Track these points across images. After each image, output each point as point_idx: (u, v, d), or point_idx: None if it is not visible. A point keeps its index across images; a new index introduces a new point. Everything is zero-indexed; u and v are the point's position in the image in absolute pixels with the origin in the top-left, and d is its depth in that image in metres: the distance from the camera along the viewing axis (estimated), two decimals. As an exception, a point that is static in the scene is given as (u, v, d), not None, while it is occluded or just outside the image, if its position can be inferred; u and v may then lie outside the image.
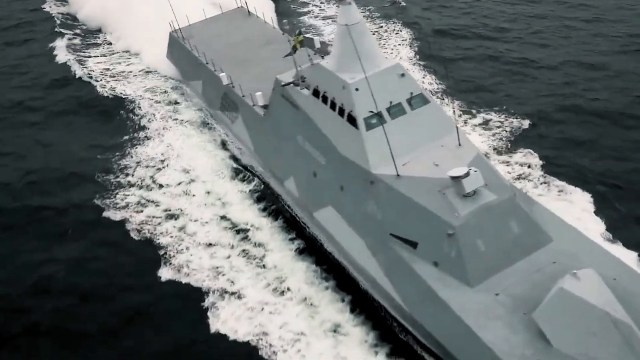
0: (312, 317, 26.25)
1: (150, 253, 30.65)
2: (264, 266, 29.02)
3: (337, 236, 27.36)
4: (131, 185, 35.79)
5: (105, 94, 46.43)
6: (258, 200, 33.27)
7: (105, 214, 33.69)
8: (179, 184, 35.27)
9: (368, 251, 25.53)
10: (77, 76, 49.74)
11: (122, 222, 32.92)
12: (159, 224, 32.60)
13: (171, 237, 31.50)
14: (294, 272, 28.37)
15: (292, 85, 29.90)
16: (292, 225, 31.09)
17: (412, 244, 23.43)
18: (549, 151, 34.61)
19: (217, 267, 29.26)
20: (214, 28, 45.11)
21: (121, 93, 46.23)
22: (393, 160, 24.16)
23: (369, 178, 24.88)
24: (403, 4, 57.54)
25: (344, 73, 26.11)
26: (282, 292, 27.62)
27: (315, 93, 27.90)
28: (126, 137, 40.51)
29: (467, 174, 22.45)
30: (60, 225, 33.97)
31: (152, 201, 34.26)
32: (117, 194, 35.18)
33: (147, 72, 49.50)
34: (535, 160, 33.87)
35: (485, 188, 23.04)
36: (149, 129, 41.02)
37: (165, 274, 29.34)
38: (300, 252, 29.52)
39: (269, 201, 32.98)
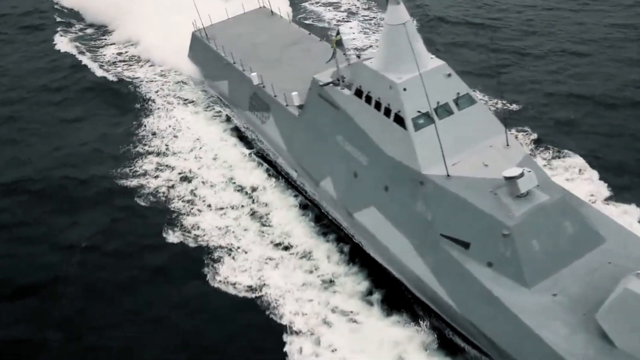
0: (311, 271, 28.85)
1: (165, 214, 33.64)
2: (269, 224, 32.05)
3: (381, 237, 27.26)
4: (149, 153, 39.39)
5: (116, 79, 49.47)
6: (260, 164, 36.81)
7: (125, 181, 37.01)
8: (191, 150, 39.05)
9: (415, 251, 25.45)
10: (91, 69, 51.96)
11: (140, 187, 36.25)
12: (173, 186, 36.03)
13: (184, 200, 34.70)
14: (297, 228, 31.32)
15: (331, 85, 29.80)
16: (292, 186, 34.12)
17: (464, 245, 23.35)
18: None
19: (226, 227, 32.22)
20: (237, 28, 44.91)
21: (131, 77, 48.55)
22: (444, 160, 24.09)
23: (418, 178, 24.80)
24: None
25: (390, 73, 26.03)
26: (286, 247, 30.43)
27: (358, 93, 27.80)
28: (140, 116, 43.80)
29: (521, 175, 22.42)
30: (84, 192, 37.20)
31: (168, 165, 37.98)
32: (135, 162, 38.66)
33: (163, 74, 49.83)
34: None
35: (537, 189, 23.03)
36: (159, 108, 44.36)
37: (178, 233, 32.18)
38: (303, 208, 32.85)
39: (272, 166, 36.52)
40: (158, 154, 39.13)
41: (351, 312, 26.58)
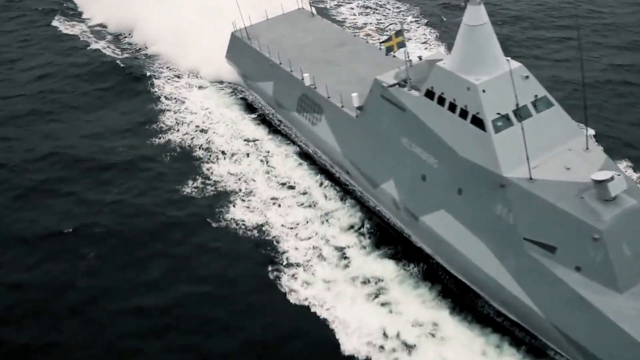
0: (310, 207, 34.07)
1: (188, 165, 39.16)
2: (273, 167, 37.63)
3: (452, 240, 26.88)
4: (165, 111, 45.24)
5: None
6: (262, 122, 42.53)
7: (150, 140, 42.33)
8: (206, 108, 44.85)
9: (493, 256, 25.06)
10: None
11: (164, 144, 41.59)
12: (193, 139, 41.65)
13: (202, 149, 40.27)
14: (295, 171, 37.13)
15: (397, 86, 29.44)
16: (290, 139, 38.25)
17: (550, 249, 22.99)
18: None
19: (238, 173, 37.70)
20: (277, 28, 44.52)
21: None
22: (528, 163, 23.75)
23: (498, 181, 24.44)
24: None
25: (467, 74, 25.68)
26: (290, 187, 35.93)
27: (429, 94, 27.43)
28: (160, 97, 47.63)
29: (611, 178, 22.10)
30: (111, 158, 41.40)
31: (185, 122, 43.61)
32: (158, 126, 43.72)
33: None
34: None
35: (624, 192, 22.72)
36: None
37: (197, 181, 37.42)
38: (300, 155, 38.46)
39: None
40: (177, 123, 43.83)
41: (345, 246, 31.14)
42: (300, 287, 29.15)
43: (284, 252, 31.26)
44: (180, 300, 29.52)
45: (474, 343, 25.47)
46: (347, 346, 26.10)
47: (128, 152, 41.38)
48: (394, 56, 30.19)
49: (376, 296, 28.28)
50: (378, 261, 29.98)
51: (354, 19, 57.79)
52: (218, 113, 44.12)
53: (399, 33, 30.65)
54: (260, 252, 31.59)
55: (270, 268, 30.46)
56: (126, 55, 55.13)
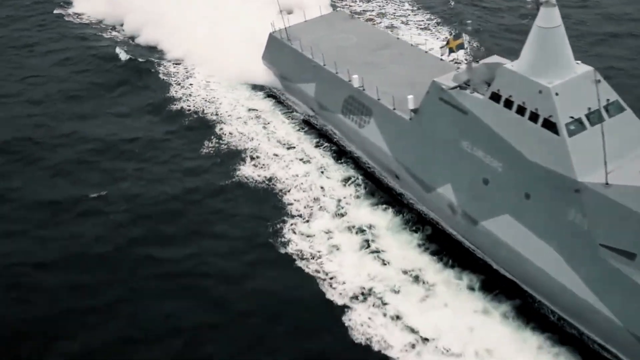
0: (308, 163, 38.25)
1: (203, 130, 43.31)
2: (273, 133, 41.83)
3: (517, 246, 26.42)
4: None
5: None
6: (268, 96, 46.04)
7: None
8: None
9: (564, 262, 24.62)
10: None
11: (182, 111, 46.04)
12: (203, 111, 45.50)
13: (217, 116, 44.76)
14: (292, 134, 41.25)
15: (458, 89, 29.03)
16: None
17: (629, 255, 22.54)
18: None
19: (246, 134, 42.06)
20: (317, 30, 44.09)
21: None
22: (605, 167, 23.31)
23: (572, 186, 24.00)
24: None
25: (539, 77, 25.27)
26: (288, 147, 40.12)
27: (495, 97, 27.01)
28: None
29: (693, 184, 21.70)
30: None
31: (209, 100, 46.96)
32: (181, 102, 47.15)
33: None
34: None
35: None
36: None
37: (213, 139, 41.96)
38: (301, 123, 42.33)
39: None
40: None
41: (341, 198, 34.91)
42: (300, 238, 32.39)
43: (288, 204, 35.14)
44: (196, 251, 32.55)
45: (458, 285, 28.46)
46: (338, 292, 28.92)
47: (149, 128, 44.72)
48: (443, 57, 29.71)
49: (368, 245, 31.30)
50: (371, 210, 33.54)
51: (353, 4, 59.08)
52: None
53: (457, 35, 30.35)
54: (267, 205, 35.52)
55: (274, 221, 33.85)
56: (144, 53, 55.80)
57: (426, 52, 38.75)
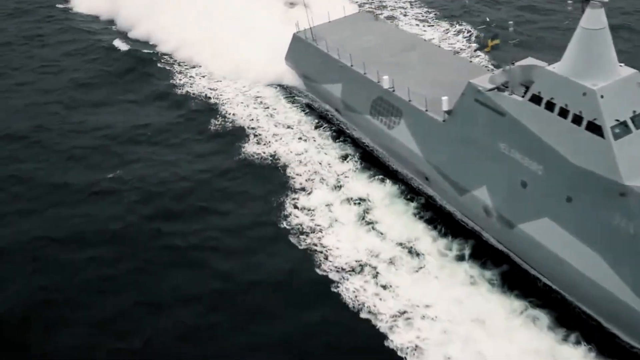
0: (306, 141, 40.91)
1: (208, 114, 46.04)
2: (273, 116, 44.47)
3: (557, 249, 26.15)
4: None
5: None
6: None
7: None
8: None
9: (607, 266, 24.33)
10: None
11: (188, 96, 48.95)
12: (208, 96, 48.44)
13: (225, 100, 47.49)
14: (292, 116, 43.92)
15: (495, 90, 28.77)
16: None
17: (678, 261, 22.31)
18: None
19: (250, 114, 44.87)
20: (341, 31, 43.87)
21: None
22: (654, 171, 23.07)
23: (618, 189, 23.71)
24: None
25: (582, 79, 25.00)
26: (288, 127, 42.98)
27: (535, 99, 26.75)
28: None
29: None
30: None
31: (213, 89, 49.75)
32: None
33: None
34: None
35: None
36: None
37: (219, 118, 44.97)
38: (304, 107, 44.67)
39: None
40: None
41: (340, 173, 37.31)
42: (301, 213, 34.56)
43: (290, 178, 37.70)
44: (201, 226, 34.82)
45: (448, 255, 30.35)
46: (335, 264, 30.73)
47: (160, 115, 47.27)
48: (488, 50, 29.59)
49: (364, 217, 33.48)
50: (368, 183, 36.00)
51: None
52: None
53: (495, 36, 30.14)
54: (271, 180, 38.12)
55: (277, 195, 36.32)
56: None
57: (454, 53, 38.51)
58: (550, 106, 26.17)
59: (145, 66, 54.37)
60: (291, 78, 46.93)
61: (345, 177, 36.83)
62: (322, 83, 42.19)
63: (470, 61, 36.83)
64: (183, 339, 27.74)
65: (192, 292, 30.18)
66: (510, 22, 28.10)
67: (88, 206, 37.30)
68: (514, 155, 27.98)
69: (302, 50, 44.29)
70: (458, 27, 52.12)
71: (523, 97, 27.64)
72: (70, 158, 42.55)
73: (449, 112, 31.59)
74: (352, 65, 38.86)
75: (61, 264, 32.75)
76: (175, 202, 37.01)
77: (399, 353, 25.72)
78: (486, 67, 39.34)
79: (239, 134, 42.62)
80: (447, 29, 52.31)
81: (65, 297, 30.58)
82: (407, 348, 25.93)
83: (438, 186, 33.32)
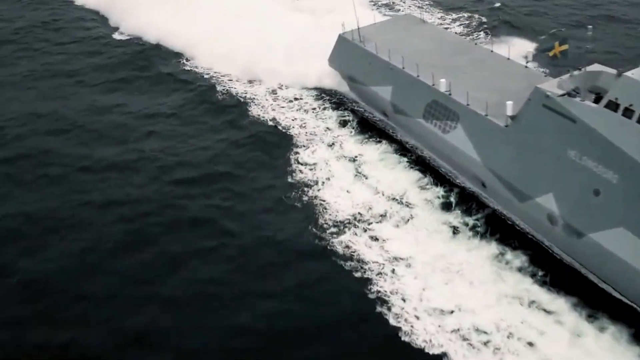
0: (321, 119, 43.66)
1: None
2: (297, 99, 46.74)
3: (633, 261, 25.49)
4: None
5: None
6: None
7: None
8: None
9: (690, 279, 23.73)
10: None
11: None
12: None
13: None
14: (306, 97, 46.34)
15: (566, 96, 28.18)
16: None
17: None
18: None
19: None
20: (388, 33, 43.29)
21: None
22: None
23: (703, 200, 23.13)
24: None
25: None
26: (306, 111, 45.06)
27: (612, 105, 26.14)
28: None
29: None
30: None
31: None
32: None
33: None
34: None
35: None
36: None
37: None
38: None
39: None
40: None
41: (336, 134, 41.29)
42: (304, 167, 38.47)
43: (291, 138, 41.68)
44: (210, 191, 37.92)
45: (435, 204, 34.14)
46: (331, 218, 34.17)
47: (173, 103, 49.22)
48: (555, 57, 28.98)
49: (359, 171, 37.51)
50: (363, 144, 39.86)
51: None
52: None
53: (564, 41, 29.53)
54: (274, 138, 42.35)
55: (282, 150, 40.63)
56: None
57: (508, 58, 37.90)
58: (628, 113, 25.55)
59: (159, 67, 55.33)
60: (331, 81, 46.42)
61: (342, 138, 40.69)
62: (369, 85, 41.61)
63: (526, 66, 36.18)
64: (200, 285, 30.80)
65: (207, 246, 33.23)
66: (589, 27, 27.38)
67: (113, 174, 40.32)
68: (585, 163, 27.35)
69: (348, 51, 43.74)
70: (458, 15, 56.08)
71: (595, 103, 27.07)
72: (95, 139, 44.84)
73: (513, 117, 30.99)
74: (403, 68, 38.31)
75: (90, 224, 35.78)
76: (194, 169, 40.21)
77: (385, 298, 28.66)
78: (544, 72, 38.77)
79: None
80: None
81: (96, 251, 33.75)
82: (392, 293, 28.91)
83: (496, 192, 32.70)
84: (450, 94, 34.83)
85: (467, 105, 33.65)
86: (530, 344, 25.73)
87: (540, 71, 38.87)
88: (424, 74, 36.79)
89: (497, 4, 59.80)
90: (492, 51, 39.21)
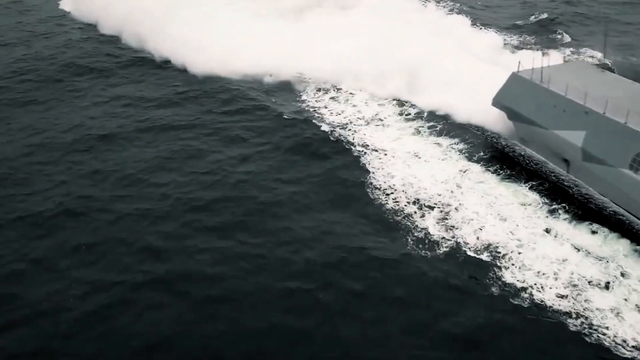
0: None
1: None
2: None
3: None
4: None
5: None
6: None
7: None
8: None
9: None
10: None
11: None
12: None
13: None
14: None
15: None
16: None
17: None
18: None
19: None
20: (566, 77, 41.09)
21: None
22: None
23: None
24: None
25: None
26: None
27: None
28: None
29: None
30: None
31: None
32: None
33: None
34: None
35: None
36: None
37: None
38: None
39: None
40: None
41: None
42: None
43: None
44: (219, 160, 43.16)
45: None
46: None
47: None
48: None
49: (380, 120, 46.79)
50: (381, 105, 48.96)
51: None
52: None
53: None
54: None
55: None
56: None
57: None
58: None
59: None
60: (492, 121, 44.41)
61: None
62: (552, 129, 39.28)
63: None
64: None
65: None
66: None
67: (131, 151, 44.14)
68: None
69: (524, 91, 41.59)
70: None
71: None
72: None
73: None
74: (604, 113, 36.02)
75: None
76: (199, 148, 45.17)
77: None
78: None
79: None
80: None
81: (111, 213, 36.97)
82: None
83: None
84: None
85: (700, 157, 31.21)
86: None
87: None
88: (630, 120, 34.45)
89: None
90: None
